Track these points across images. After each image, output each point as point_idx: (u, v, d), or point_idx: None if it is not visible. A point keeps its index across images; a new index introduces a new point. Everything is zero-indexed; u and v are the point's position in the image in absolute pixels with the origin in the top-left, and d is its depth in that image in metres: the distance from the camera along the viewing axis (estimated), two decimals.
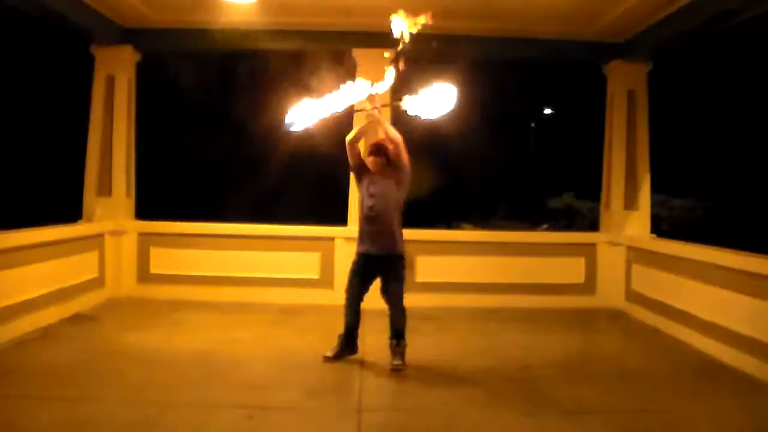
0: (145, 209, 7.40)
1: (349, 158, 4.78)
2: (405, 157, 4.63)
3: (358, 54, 6.99)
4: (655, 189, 7.36)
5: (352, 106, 4.70)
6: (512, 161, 17.22)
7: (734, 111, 13.62)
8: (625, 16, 6.29)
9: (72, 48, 7.85)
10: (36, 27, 8.75)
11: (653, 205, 7.41)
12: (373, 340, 5.47)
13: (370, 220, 4.66)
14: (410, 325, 6.19)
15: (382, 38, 6.92)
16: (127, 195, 7.12)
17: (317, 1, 6.20)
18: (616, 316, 6.76)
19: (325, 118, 4.58)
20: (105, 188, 7.01)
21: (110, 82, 7.02)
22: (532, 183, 16.75)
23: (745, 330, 4.79)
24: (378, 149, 4.69)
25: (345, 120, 5.17)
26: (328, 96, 4.51)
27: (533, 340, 5.67)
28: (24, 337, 5.08)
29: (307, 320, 5.87)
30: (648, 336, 5.96)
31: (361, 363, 4.81)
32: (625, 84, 7.18)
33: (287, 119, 4.55)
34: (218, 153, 13.80)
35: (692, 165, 13.72)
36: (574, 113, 15.69)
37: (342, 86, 4.52)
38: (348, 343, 4.86)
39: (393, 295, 4.72)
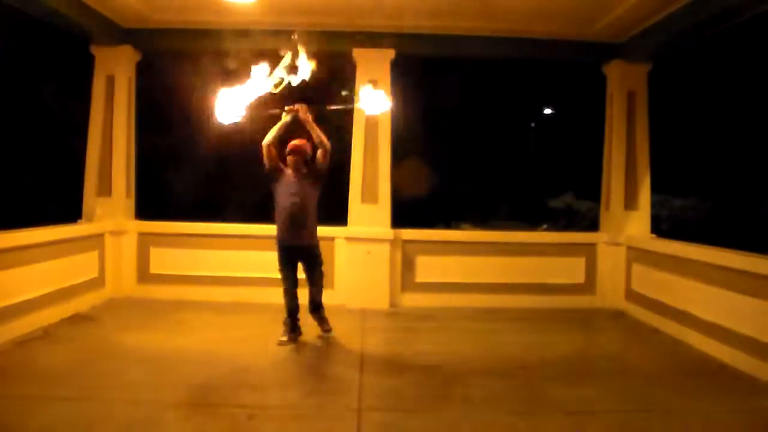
0: (145, 209, 7.40)
1: (265, 160, 5.11)
2: (328, 160, 5.16)
3: (358, 54, 7.00)
4: (655, 189, 7.36)
5: (281, 111, 4.99)
6: (512, 161, 17.22)
7: (734, 111, 13.62)
8: (625, 16, 6.29)
9: (72, 48, 7.84)
10: (36, 27, 8.73)
11: (653, 205, 7.41)
12: (374, 340, 5.49)
13: (294, 217, 5.12)
14: (410, 325, 6.21)
15: (382, 38, 6.99)
16: (127, 195, 7.13)
17: (317, 1, 6.21)
18: (616, 316, 6.75)
19: (252, 108, 4.74)
20: (105, 188, 7.01)
21: (110, 82, 7.02)
22: (532, 183, 16.75)
23: (745, 330, 4.80)
24: (299, 150, 5.16)
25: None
26: (246, 84, 4.65)
27: (533, 340, 5.67)
28: (24, 337, 5.08)
29: (307, 320, 5.85)
30: (648, 336, 5.96)
31: (361, 363, 4.81)
32: (625, 84, 7.18)
33: (217, 113, 4.69)
34: (218, 153, 13.80)
35: (692, 165, 13.71)
36: (574, 113, 15.69)
37: (255, 71, 4.63)
38: (294, 326, 5.31)
39: (317, 275, 5.38)
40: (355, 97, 5.14)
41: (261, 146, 5.10)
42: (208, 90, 4.80)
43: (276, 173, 5.18)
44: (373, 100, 5.10)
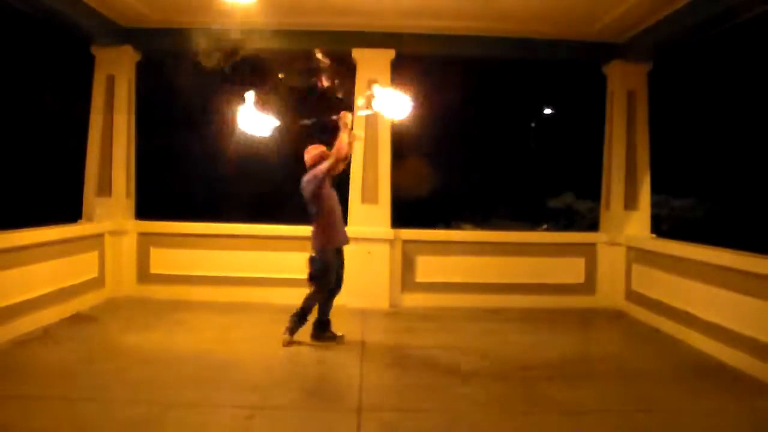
0: (145, 209, 7.40)
1: (336, 167, 5.18)
2: None
3: (358, 54, 7.00)
4: (655, 189, 7.36)
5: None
6: (512, 161, 17.20)
7: (734, 111, 13.61)
8: (625, 16, 6.29)
9: (72, 48, 7.85)
10: (36, 27, 8.74)
11: (653, 205, 7.41)
12: (374, 340, 5.49)
13: (342, 218, 5.39)
14: (410, 325, 6.21)
15: (382, 38, 6.99)
16: (127, 195, 7.13)
17: (317, 1, 6.21)
18: (616, 316, 6.76)
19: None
20: (105, 188, 7.02)
21: (110, 82, 7.02)
22: (532, 183, 16.73)
23: (745, 330, 4.80)
24: None
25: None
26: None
27: (533, 340, 5.67)
28: (24, 337, 5.09)
29: (307, 320, 5.86)
30: (648, 336, 5.96)
31: (361, 363, 4.81)
32: (625, 84, 7.18)
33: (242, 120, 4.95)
34: (218, 153, 13.80)
35: (692, 165, 13.70)
36: (574, 113, 15.67)
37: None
38: (328, 328, 5.37)
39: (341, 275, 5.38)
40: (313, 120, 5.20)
41: (343, 156, 5.12)
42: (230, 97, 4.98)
43: (325, 180, 5.17)
44: (392, 103, 5.09)
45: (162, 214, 7.42)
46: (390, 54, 6.99)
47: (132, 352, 4.92)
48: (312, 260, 5.19)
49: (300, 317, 5.24)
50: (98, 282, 6.64)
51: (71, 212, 6.99)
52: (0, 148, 10.89)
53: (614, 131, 7.25)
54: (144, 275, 7.02)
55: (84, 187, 7.03)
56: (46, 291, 5.61)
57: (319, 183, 5.08)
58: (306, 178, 5.12)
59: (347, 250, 6.81)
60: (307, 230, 7.04)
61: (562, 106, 17.43)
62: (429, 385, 4.34)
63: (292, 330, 5.21)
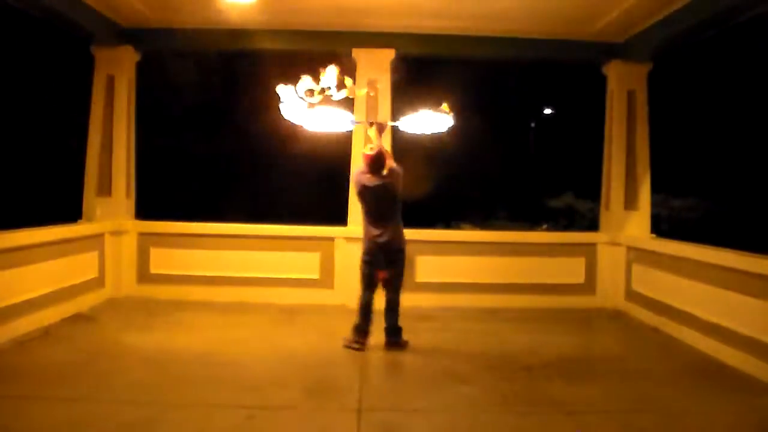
0: (145, 209, 7.40)
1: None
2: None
3: (358, 54, 7.00)
4: (655, 189, 7.36)
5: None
6: (512, 161, 17.22)
7: (734, 111, 13.62)
8: (625, 16, 6.29)
9: (72, 48, 7.86)
10: (36, 27, 8.75)
11: (653, 205, 7.41)
12: (374, 340, 5.47)
13: None
14: (410, 325, 6.20)
15: (382, 38, 6.99)
16: (127, 195, 7.13)
17: (317, 1, 6.21)
18: (616, 316, 6.76)
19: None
20: (105, 188, 7.01)
21: (110, 82, 7.02)
22: (532, 183, 16.74)
23: (745, 330, 4.80)
24: None
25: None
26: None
27: (533, 340, 5.67)
28: (25, 337, 5.09)
29: (307, 320, 5.86)
30: (648, 336, 5.96)
31: (361, 363, 4.81)
32: (625, 84, 7.18)
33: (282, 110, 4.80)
34: (218, 153, 13.81)
35: (692, 165, 13.71)
36: (574, 113, 15.69)
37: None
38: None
39: None
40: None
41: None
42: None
43: None
44: (435, 119, 5.14)
45: (162, 214, 7.43)
46: (390, 54, 6.99)
47: (132, 352, 4.92)
48: (393, 263, 5.19)
49: (396, 325, 5.23)
50: (98, 282, 6.64)
51: (71, 212, 6.99)
52: (0, 148, 10.90)
53: (614, 131, 7.25)
54: (144, 275, 7.01)
55: (84, 187, 7.02)
56: (47, 291, 5.60)
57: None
58: (393, 177, 5.04)
59: (348, 249, 6.86)
60: (307, 230, 7.09)
61: (562, 106, 17.44)
62: (429, 385, 4.35)
63: (400, 339, 5.21)
